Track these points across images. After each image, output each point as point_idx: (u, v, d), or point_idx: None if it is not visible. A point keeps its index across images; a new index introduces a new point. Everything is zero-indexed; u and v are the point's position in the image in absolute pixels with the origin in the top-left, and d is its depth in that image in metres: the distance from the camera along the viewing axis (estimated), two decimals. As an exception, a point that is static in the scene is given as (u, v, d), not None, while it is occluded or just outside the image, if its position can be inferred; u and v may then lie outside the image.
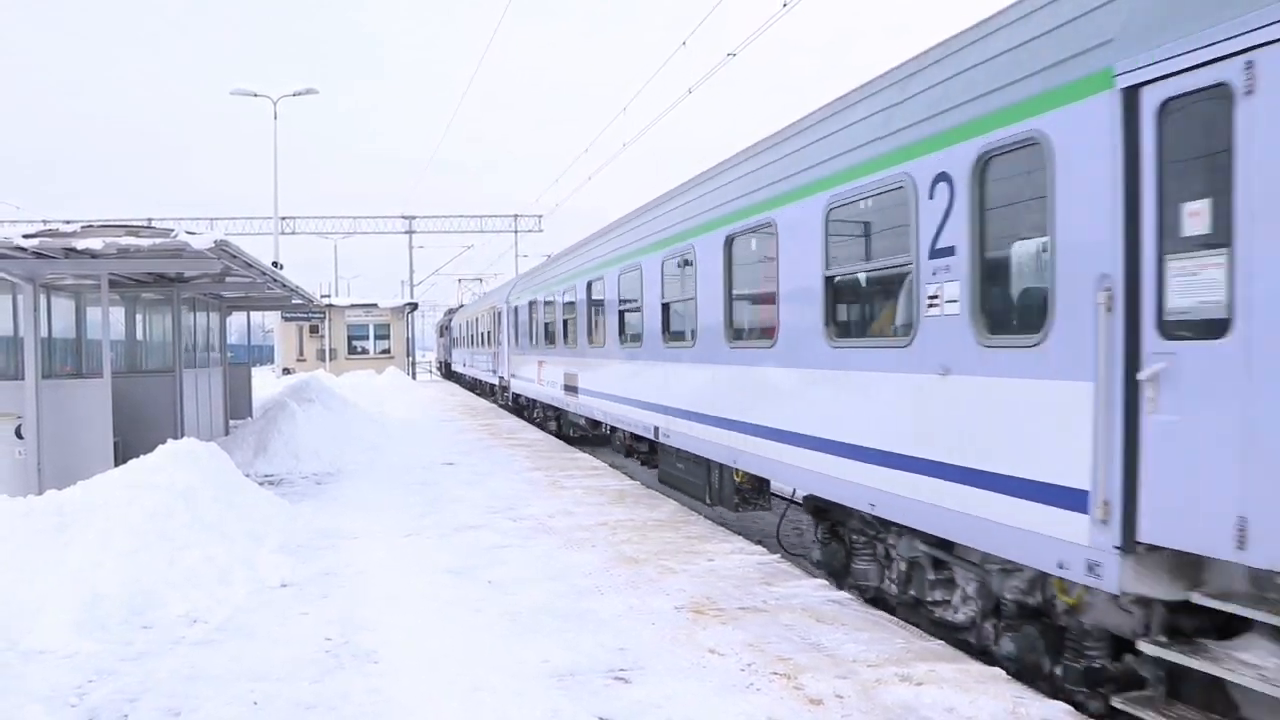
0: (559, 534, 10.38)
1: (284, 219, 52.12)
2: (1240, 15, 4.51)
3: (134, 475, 9.16)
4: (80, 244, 10.96)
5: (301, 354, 49.13)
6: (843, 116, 8.32)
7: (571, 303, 19.30)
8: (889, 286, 7.64)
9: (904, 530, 7.55)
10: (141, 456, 9.72)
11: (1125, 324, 5.12)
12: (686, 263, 11.97)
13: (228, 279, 15.96)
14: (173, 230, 11.62)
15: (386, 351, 50.03)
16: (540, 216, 60.57)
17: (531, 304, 24.39)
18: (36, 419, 11.60)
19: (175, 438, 10.68)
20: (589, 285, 17.52)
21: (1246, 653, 4.88)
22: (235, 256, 12.34)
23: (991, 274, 6.37)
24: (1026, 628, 6.38)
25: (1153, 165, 5.00)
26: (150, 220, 49.23)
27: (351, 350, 49.58)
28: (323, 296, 47.64)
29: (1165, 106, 4.93)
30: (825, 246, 8.29)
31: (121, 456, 11.50)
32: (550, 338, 21.81)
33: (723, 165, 11.62)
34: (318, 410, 19.48)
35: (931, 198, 6.73)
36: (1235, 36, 4.52)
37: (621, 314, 15.43)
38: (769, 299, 9.53)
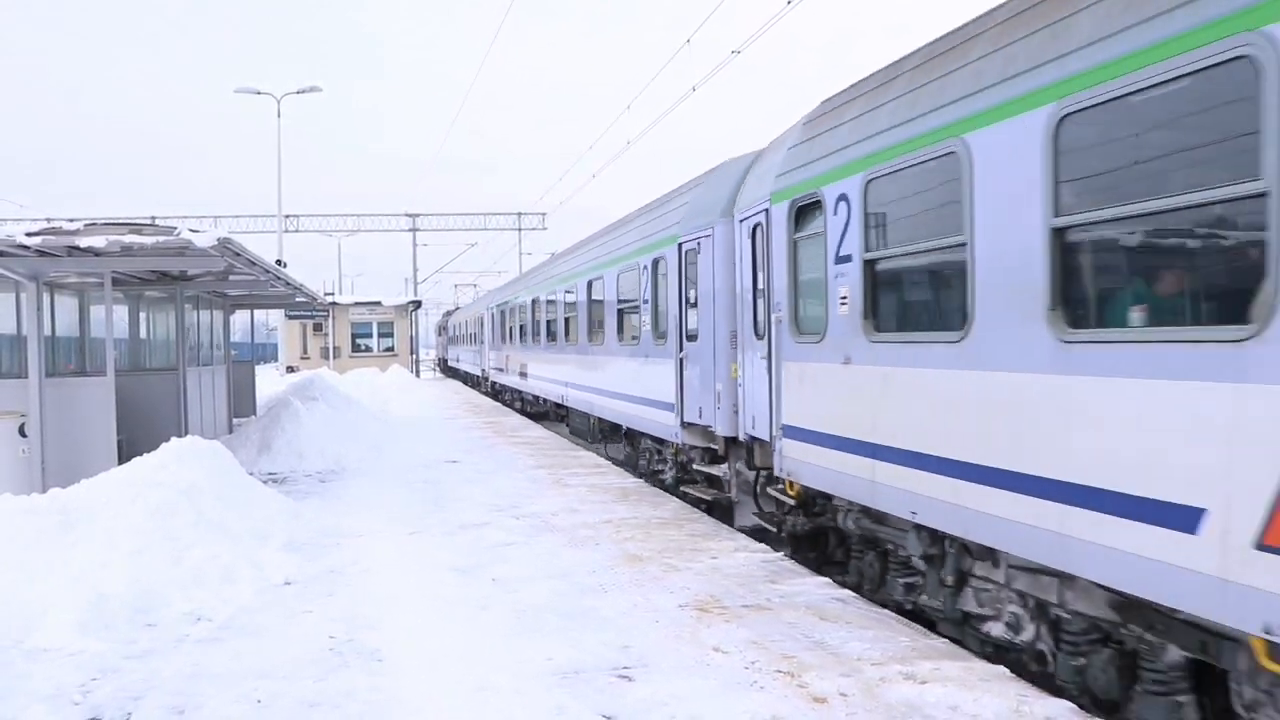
0: (563, 532, 10.38)
1: (287, 217, 52.15)
2: (692, 228, 12.24)
3: (138, 473, 9.17)
4: (83, 242, 10.96)
5: (305, 352, 49.19)
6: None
7: (525, 310, 27.14)
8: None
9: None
10: (145, 455, 9.72)
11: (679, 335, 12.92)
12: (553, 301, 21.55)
13: (231, 277, 15.97)
14: (176, 228, 11.61)
15: (390, 349, 50.09)
16: (544, 214, 60.66)
17: (503, 311, 32.67)
18: (40, 417, 11.61)
19: (179, 436, 10.68)
20: (533, 301, 25.64)
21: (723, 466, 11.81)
22: (239, 254, 12.34)
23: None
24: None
25: (678, 277, 12.85)
26: (153, 218, 49.26)
27: (355, 348, 49.64)
28: (326, 294, 47.67)
29: (685, 250, 12.58)
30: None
31: (125, 455, 11.51)
32: (514, 337, 29.91)
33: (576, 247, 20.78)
34: (321, 408, 19.50)
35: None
36: (693, 235, 12.25)
37: (550, 321, 23.04)
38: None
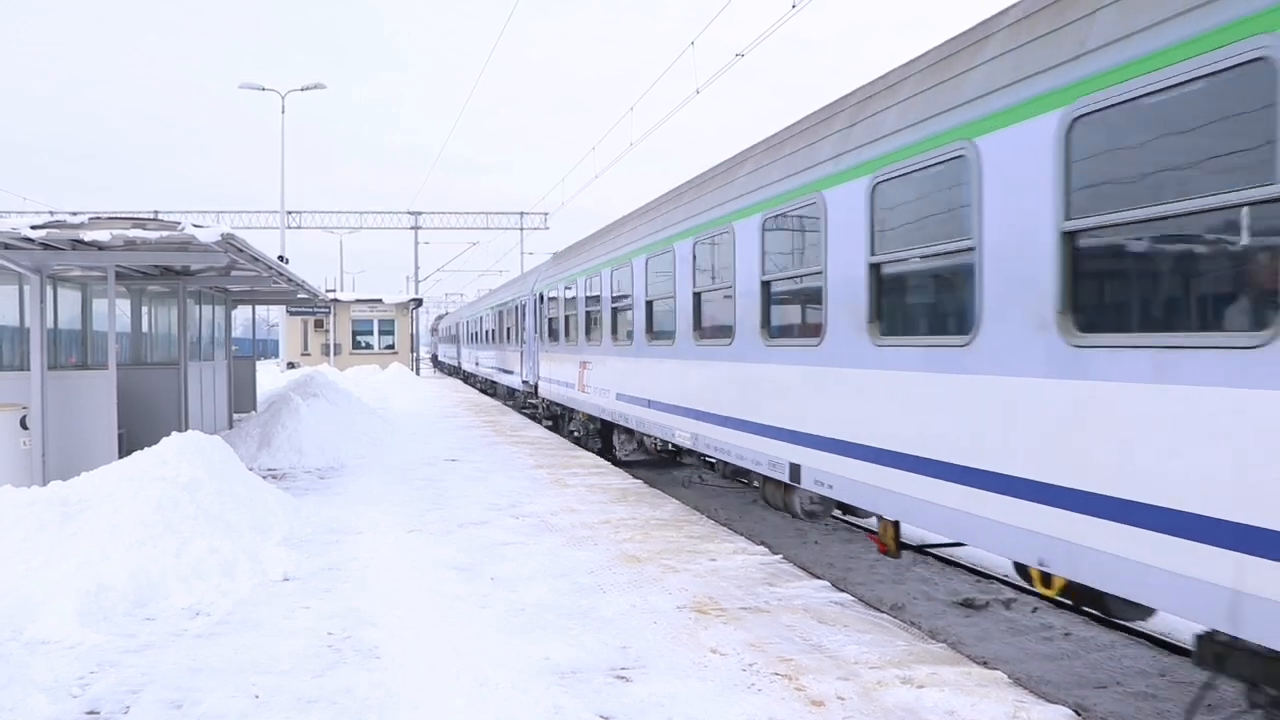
0: (562, 531, 10.39)
1: (290, 213, 52.24)
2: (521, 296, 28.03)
3: (139, 467, 9.18)
4: (87, 235, 10.99)
5: (306, 348, 49.20)
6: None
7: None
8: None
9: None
10: (146, 449, 9.74)
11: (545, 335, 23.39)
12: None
13: (234, 272, 16.00)
14: (180, 223, 11.63)
15: (391, 347, 50.08)
16: (546, 214, 60.73)
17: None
18: (42, 410, 11.64)
19: (179, 430, 10.70)
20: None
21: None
22: (242, 250, 12.36)
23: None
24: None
25: (534, 312, 25.12)
26: (157, 213, 49.35)
27: (356, 345, 49.62)
28: (328, 291, 47.67)
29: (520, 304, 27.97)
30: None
31: (126, 448, 11.54)
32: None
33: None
34: (322, 405, 19.51)
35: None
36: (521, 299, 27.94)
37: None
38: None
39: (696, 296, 11.76)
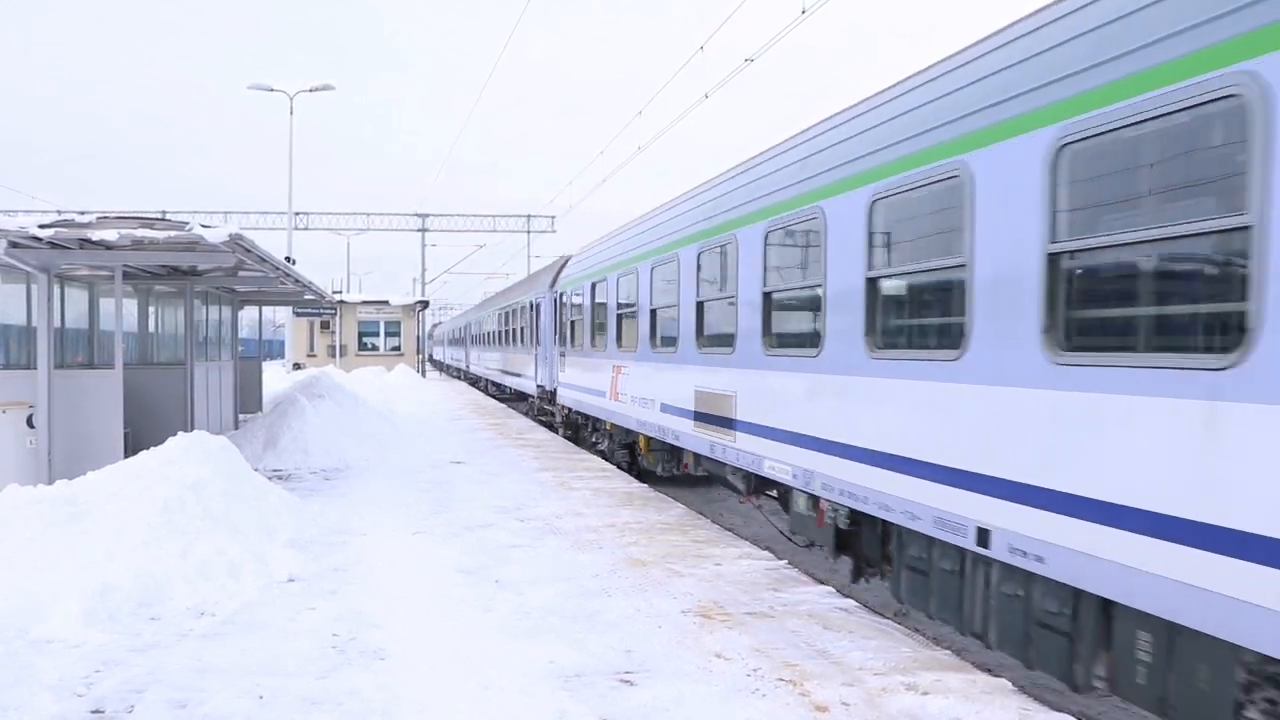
0: (567, 535, 10.38)
1: (298, 214, 52.30)
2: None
3: (146, 467, 9.19)
4: (96, 235, 11.01)
5: (312, 350, 49.25)
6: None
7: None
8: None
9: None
10: (152, 448, 9.75)
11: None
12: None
13: (241, 273, 16.02)
14: (188, 223, 11.66)
15: (397, 349, 50.11)
16: (553, 217, 60.67)
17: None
18: (48, 409, 11.66)
19: (185, 430, 10.71)
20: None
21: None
22: (249, 250, 12.39)
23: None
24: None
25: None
26: (164, 213, 49.43)
27: (362, 347, 49.66)
28: (335, 292, 47.70)
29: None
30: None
31: (131, 448, 11.55)
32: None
33: None
34: (328, 406, 19.53)
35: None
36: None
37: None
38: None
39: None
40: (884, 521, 7.72)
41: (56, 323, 12.77)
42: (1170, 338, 4.86)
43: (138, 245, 11.64)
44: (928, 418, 6.75)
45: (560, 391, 22.36)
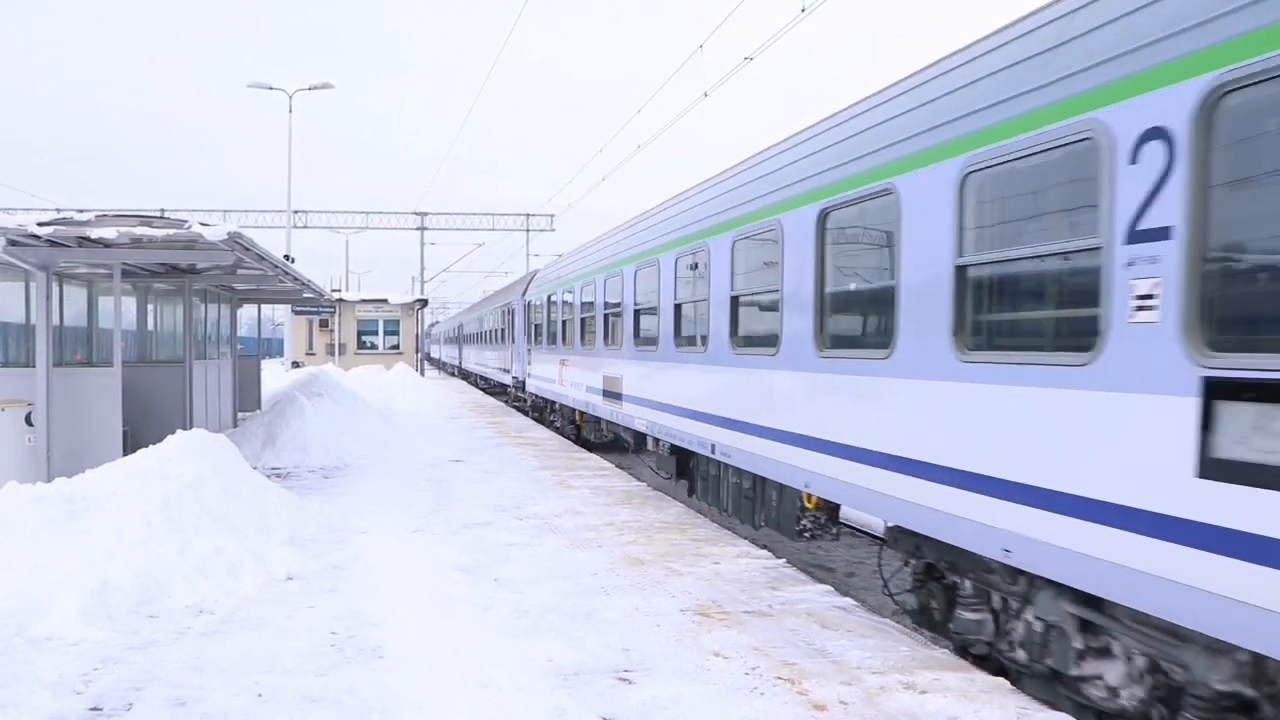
0: (566, 533, 10.39)
1: (297, 213, 52.28)
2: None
3: (144, 465, 9.19)
4: (94, 233, 11.01)
5: (311, 348, 49.18)
6: None
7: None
8: None
9: None
10: (151, 446, 9.75)
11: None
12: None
13: (240, 271, 16.01)
14: (186, 221, 11.65)
15: (396, 347, 50.03)
16: (552, 216, 60.67)
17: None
18: (47, 407, 11.65)
19: (184, 429, 10.71)
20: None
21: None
22: (248, 249, 12.38)
23: None
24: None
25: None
26: (163, 211, 49.43)
27: (361, 345, 49.57)
28: (333, 291, 47.68)
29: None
30: None
31: (130, 446, 11.55)
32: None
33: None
34: (326, 405, 19.52)
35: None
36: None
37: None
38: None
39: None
40: (688, 450, 12.69)
41: (55, 321, 12.77)
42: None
43: (136, 243, 11.63)
44: (704, 387, 11.62)
45: (528, 382, 27.83)
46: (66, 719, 5.29)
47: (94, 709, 5.43)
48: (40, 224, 10.79)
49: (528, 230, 61.13)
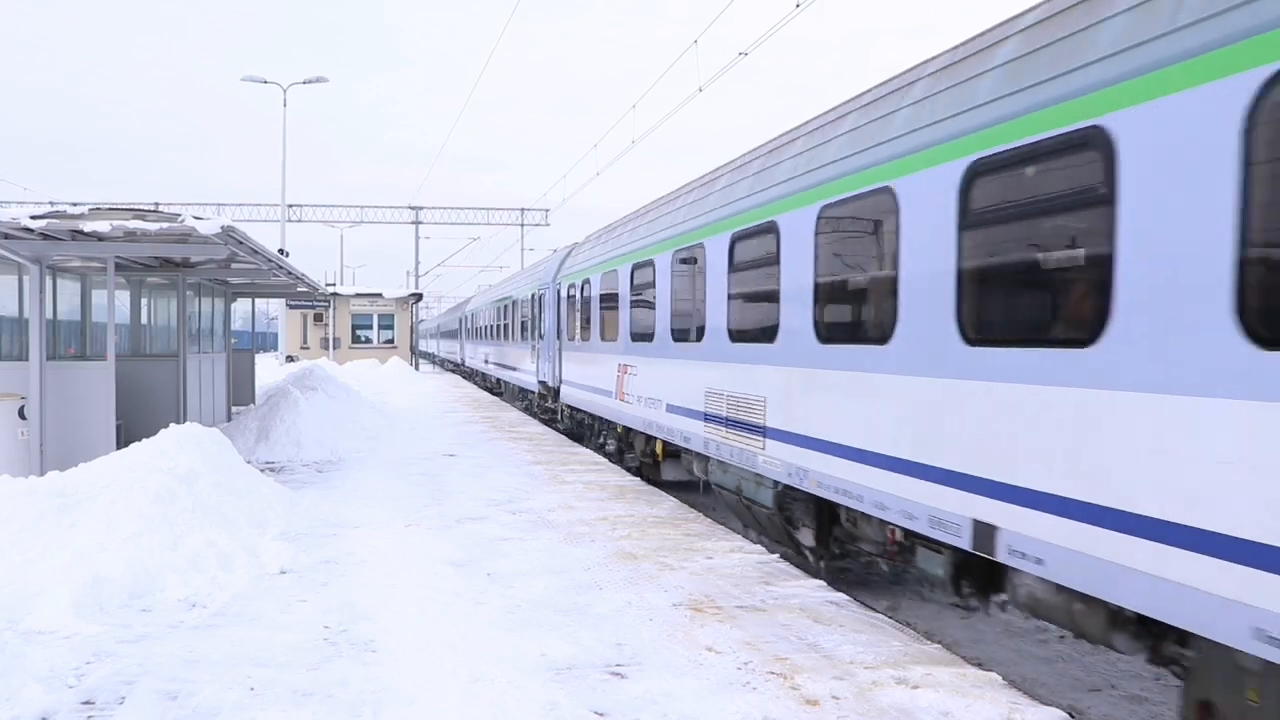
0: (559, 528, 10.39)
1: (291, 207, 52.20)
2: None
3: (137, 458, 9.19)
4: (87, 226, 10.97)
5: (305, 342, 49.15)
6: None
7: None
8: None
9: None
10: (144, 440, 9.73)
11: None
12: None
13: (234, 265, 15.97)
14: (180, 215, 11.63)
15: (390, 342, 50.03)
16: (547, 211, 60.64)
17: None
18: (40, 400, 11.63)
19: (178, 422, 10.70)
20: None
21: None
22: (242, 242, 12.36)
23: None
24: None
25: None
26: (157, 205, 49.28)
27: (355, 339, 49.57)
28: (328, 285, 47.62)
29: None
30: None
31: (124, 440, 11.54)
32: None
33: None
34: (320, 399, 19.50)
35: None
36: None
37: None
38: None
39: None
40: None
41: (49, 314, 12.73)
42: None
43: (130, 237, 11.60)
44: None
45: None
46: (58, 712, 5.29)
47: (86, 702, 5.42)
48: (34, 217, 10.76)
49: (522, 225, 61.11)
